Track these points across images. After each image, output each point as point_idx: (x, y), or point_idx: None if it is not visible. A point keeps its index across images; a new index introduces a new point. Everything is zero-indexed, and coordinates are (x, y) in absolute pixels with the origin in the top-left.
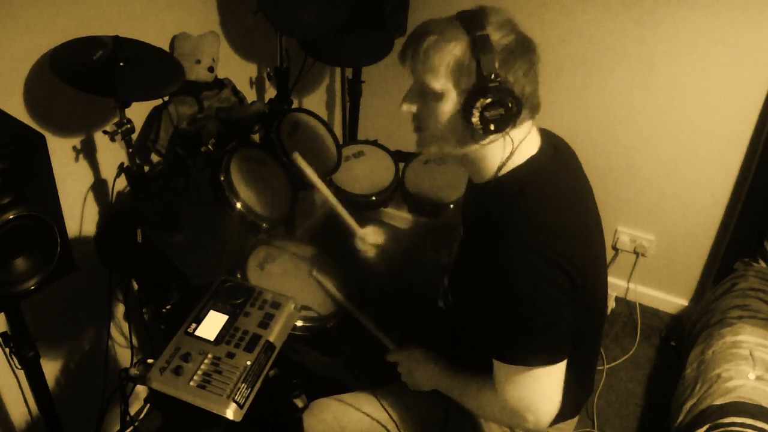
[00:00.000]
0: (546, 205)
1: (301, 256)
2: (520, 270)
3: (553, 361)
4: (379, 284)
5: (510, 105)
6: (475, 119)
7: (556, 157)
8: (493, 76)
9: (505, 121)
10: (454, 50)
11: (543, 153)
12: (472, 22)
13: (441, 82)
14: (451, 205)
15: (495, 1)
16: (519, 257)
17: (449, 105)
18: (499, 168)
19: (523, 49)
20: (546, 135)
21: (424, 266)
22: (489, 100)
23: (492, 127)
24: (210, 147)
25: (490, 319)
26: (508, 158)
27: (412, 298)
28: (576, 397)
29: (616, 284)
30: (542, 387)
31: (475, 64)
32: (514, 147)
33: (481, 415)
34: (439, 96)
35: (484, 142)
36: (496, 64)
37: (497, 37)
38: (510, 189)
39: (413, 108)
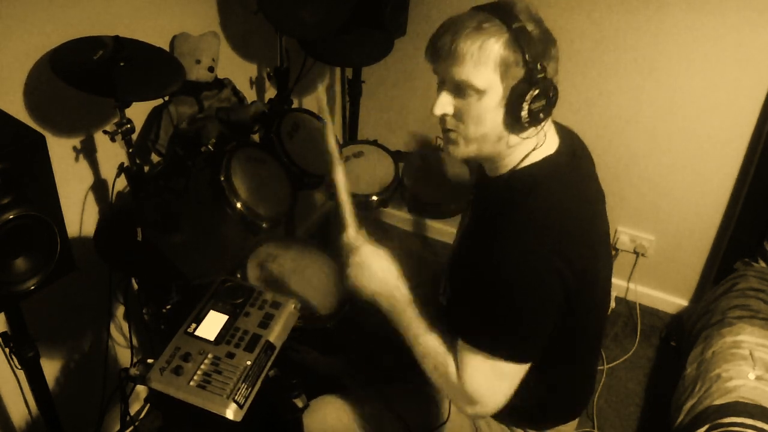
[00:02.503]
0: (553, 207)
1: (301, 256)
2: (517, 267)
3: (520, 359)
4: None
5: (551, 95)
6: (524, 112)
7: (573, 159)
8: (539, 67)
9: (547, 111)
10: (497, 45)
11: (560, 154)
12: (505, 14)
13: (485, 78)
14: (452, 206)
15: None
16: (518, 255)
17: (493, 101)
18: (517, 163)
19: (551, 38)
20: (566, 135)
21: (428, 263)
22: (537, 92)
23: (540, 116)
24: (210, 147)
25: (475, 304)
26: (529, 153)
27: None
28: (577, 400)
29: (616, 284)
30: (501, 382)
31: (521, 56)
32: (540, 141)
33: (424, 371)
34: (481, 93)
35: (524, 135)
36: (542, 56)
37: (531, 27)
38: (521, 187)
39: (450, 109)
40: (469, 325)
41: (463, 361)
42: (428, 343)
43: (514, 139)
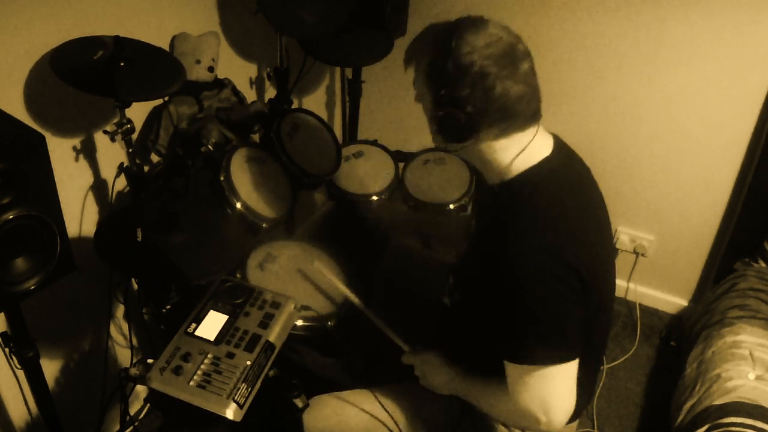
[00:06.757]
0: (557, 207)
1: (301, 257)
2: (530, 270)
3: (563, 359)
4: (384, 281)
5: (460, 119)
6: (434, 127)
7: (568, 160)
8: (443, 92)
9: (461, 133)
10: (425, 60)
11: (555, 156)
12: (447, 33)
13: (419, 87)
14: (451, 206)
15: (500, 4)
16: (529, 257)
17: (428, 107)
18: (507, 171)
19: (495, 63)
20: (557, 139)
21: (429, 263)
22: (440, 113)
23: (449, 137)
24: (210, 147)
25: (500, 319)
26: (512, 162)
27: (417, 296)
28: (578, 400)
29: (616, 284)
30: (554, 387)
31: (436, 75)
32: (521, 147)
33: (496, 416)
34: (420, 98)
35: (457, 147)
36: (451, 79)
37: (464, 50)
38: (522, 190)
39: (420, 102)
40: (507, 343)
41: (514, 380)
42: (489, 399)
43: (460, 145)
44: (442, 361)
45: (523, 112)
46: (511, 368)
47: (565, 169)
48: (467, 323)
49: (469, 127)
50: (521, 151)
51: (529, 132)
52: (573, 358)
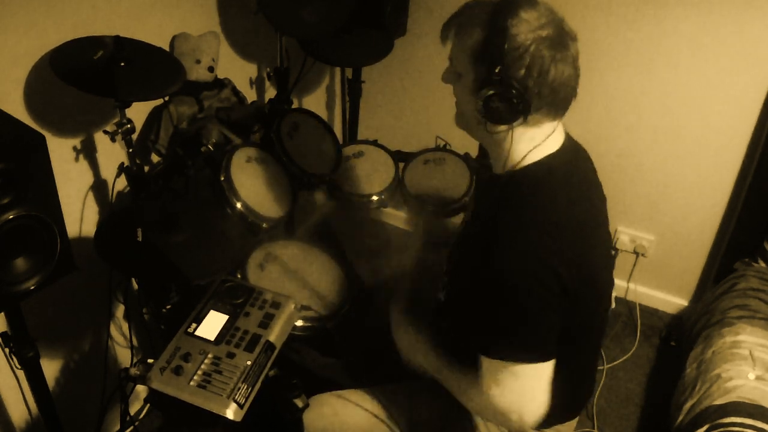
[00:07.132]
0: (555, 208)
1: (301, 257)
2: (514, 267)
3: (536, 359)
4: (379, 281)
5: (515, 101)
6: (478, 108)
7: (574, 158)
8: (497, 70)
9: (510, 115)
10: (474, 36)
11: (562, 153)
12: (501, 10)
13: (462, 64)
14: (452, 205)
15: None
16: (515, 255)
17: (465, 87)
18: (520, 161)
19: (550, 45)
20: (568, 136)
21: (425, 266)
22: (491, 92)
23: (494, 118)
24: (210, 147)
25: (480, 312)
26: (528, 152)
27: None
28: (576, 399)
29: (616, 284)
30: (525, 386)
31: (488, 54)
32: (539, 141)
33: (470, 409)
34: (459, 75)
35: (493, 131)
36: (507, 59)
37: (521, 29)
38: (523, 185)
39: (449, 81)
40: (483, 337)
41: (486, 375)
42: (465, 389)
43: (497, 128)
44: (411, 321)
45: (566, 97)
46: (484, 362)
47: (569, 167)
48: (454, 315)
49: (519, 108)
50: (541, 142)
51: (555, 123)
52: (545, 360)
